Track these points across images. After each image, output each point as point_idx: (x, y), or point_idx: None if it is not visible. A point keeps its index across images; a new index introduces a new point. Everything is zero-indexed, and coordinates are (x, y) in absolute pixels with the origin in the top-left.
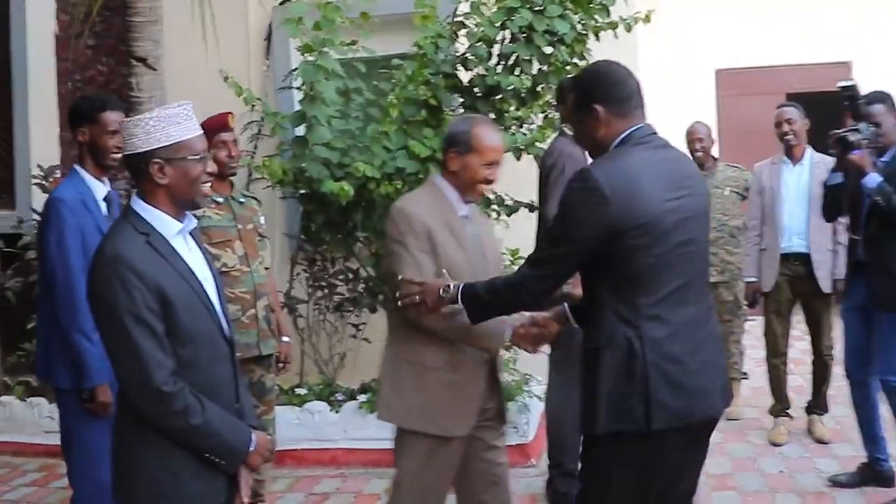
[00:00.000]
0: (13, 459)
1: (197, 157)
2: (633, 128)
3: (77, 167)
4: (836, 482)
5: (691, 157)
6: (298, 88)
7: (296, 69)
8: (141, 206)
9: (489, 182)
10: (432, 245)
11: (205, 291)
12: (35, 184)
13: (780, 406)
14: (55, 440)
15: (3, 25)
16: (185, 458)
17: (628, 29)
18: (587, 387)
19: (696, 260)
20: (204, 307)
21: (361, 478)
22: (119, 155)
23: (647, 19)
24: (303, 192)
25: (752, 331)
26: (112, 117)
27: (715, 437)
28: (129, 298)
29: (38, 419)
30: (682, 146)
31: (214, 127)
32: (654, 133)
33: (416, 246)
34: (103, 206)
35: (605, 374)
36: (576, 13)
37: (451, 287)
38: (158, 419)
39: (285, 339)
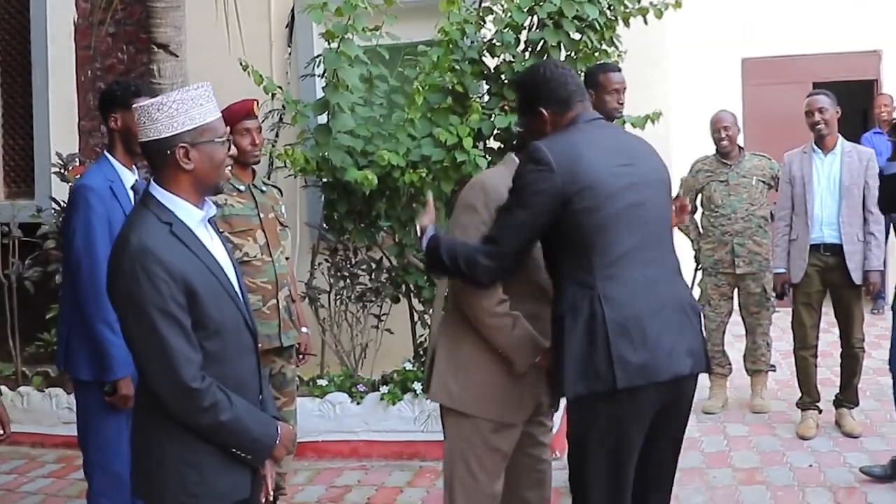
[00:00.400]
0: (31, 450)
1: (221, 139)
2: (575, 117)
3: (106, 154)
4: (868, 473)
5: (716, 146)
6: (321, 76)
7: (318, 56)
8: (162, 194)
9: None
10: None
11: (229, 281)
12: (54, 172)
13: (809, 399)
14: (73, 431)
15: (23, 13)
16: (211, 454)
17: (659, 15)
18: (556, 354)
19: (650, 222)
20: (229, 298)
21: (383, 470)
22: None
23: (677, 4)
24: (325, 180)
25: (777, 322)
26: None
27: (741, 430)
28: (156, 292)
29: (57, 410)
30: (707, 135)
31: (239, 114)
32: (599, 118)
33: (486, 219)
34: (131, 194)
35: (570, 338)
36: None
37: (427, 231)
38: (186, 416)
39: (304, 329)
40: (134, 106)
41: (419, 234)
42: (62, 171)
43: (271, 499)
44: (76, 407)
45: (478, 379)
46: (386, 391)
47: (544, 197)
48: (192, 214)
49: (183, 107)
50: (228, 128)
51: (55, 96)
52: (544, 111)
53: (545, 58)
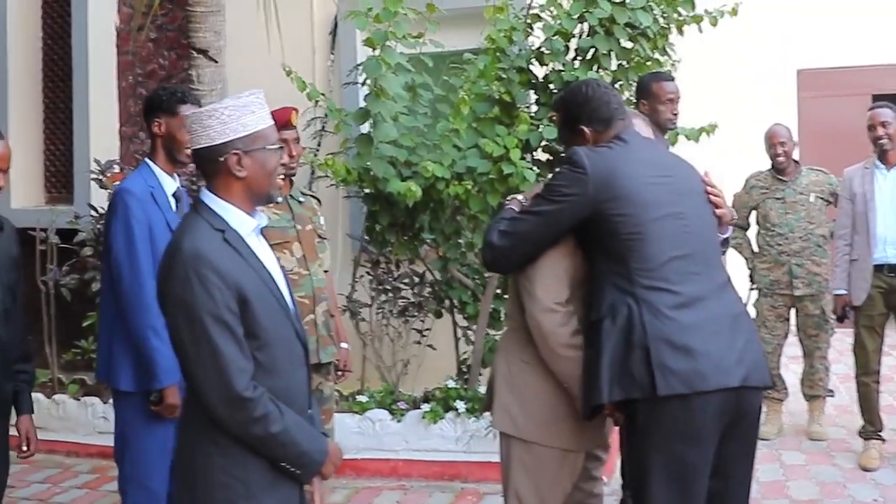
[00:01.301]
0: (65, 460)
1: (274, 147)
2: (616, 133)
3: (148, 160)
4: None
5: (772, 162)
6: (363, 84)
7: (359, 65)
8: (214, 201)
9: None
10: None
11: (281, 292)
12: (92, 179)
13: (872, 428)
14: (109, 441)
15: (64, 19)
16: (259, 469)
17: (714, 23)
18: (590, 359)
19: (694, 234)
20: (280, 308)
21: (423, 491)
22: None
23: (733, 13)
24: (367, 191)
25: (835, 344)
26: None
27: (798, 459)
28: (210, 298)
29: (92, 419)
30: (760, 149)
31: (276, 124)
32: (638, 135)
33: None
34: (172, 202)
35: (607, 343)
36: (658, 5)
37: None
38: (237, 427)
39: (344, 345)
40: (186, 113)
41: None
42: (100, 177)
43: None
44: (115, 419)
45: (541, 406)
46: (428, 409)
47: (571, 198)
48: (244, 223)
49: (235, 113)
50: None
51: (96, 102)
52: (586, 129)
53: (596, 66)
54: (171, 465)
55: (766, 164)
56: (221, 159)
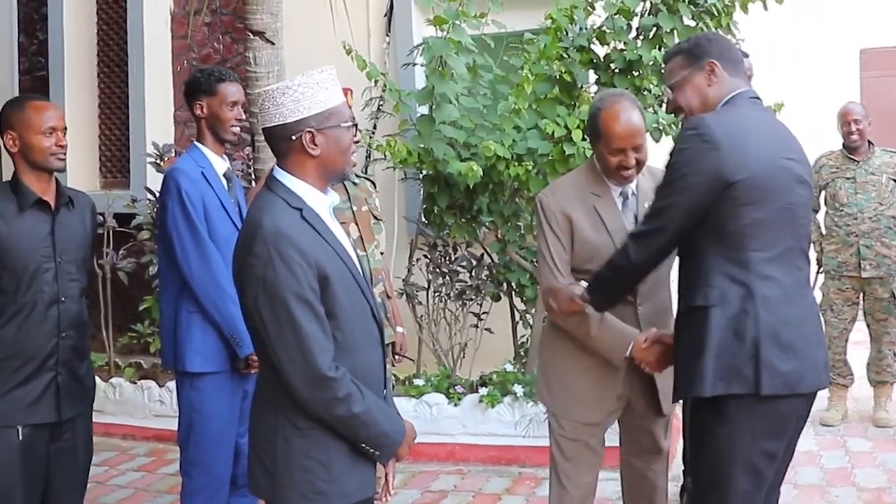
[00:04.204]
0: (122, 443)
1: (347, 124)
2: (742, 89)
3: (196, 143)
4: None
5: (844, 140)
6: (423, 65)
7: (420, 45)
8: (288, 179)
9: (623, 169)
10: (571, 230)
11: (358, 270)
12: (150, 163)
13: None
14: (165, 424)
15: (119, 4)
16: (339, 451)
17: (780, 1)
18: (690, 347)
19: (804, 225)
20: (357, 287)
21: (480, 475)
22: (238, 128)
23: None
24: (425, 173)
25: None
26: (231, 89)
27: (864, 446)
28: (292, 276)
29: (148, 403)
30: (826, 128)
31: None
32: (758, 97)
33: (553, 231)
34: (223, 181)
35: (714, 334)
36: None
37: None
38: (320, 407)
39: (400, 329)
40: (259, 91)
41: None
42: (157, 161)
43: (390, 497)
44: (179, 402)
45: (557, 381)
46: (485, 393)
47: (704, 177)
48: (319, 200)
49: (308, 91)
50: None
51: (151, 86)
52: (717, 64)
53: (658, 46)
54: (249, 449)
55: (828, 144)
56: (294, 137)
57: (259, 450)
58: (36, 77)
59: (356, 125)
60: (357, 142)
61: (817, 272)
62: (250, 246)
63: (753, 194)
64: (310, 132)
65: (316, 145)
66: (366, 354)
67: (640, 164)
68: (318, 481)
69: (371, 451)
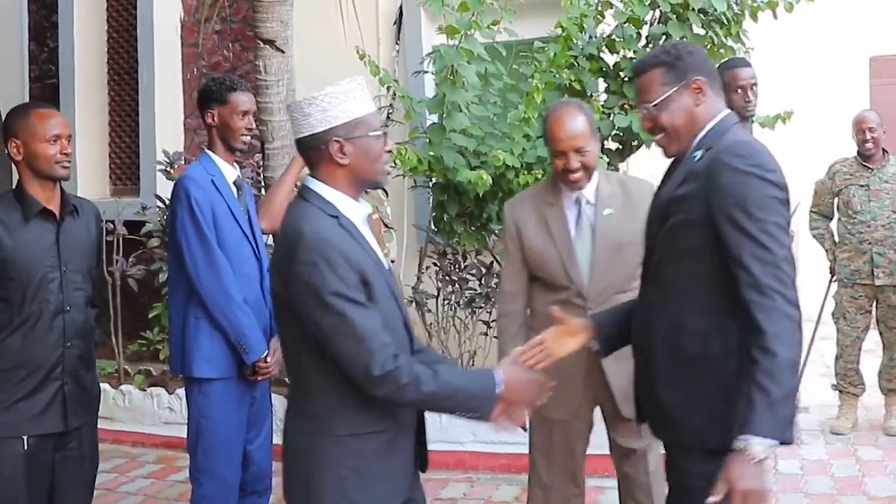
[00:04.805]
0: (132, 450)
1: (376, 133)
2: (726, 111)
3: (207, 151)
4: None
5: (859, 148)
6: (434, 73)
7: (431, 53)
8: (321, 188)
9: (568, 172)
10: (520, 240)
11: (392, 279)
12: (160, 170)
13: None
14: (174, 432)
15: (129, 11)
16: (374, 460)
17: (790, 9)
18: (727, 392)
19: None
20: (392, 295)
21: (490, 484)
22: (248, 137)
23: None
24: (435, 181)
25: None
26: (242, 98)
27: (874, 454)
28: (340, 280)
29: (158, 410)
30: (835, 136)
31: None
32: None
33: (506, 242)
34: (234, 189)
35: (733, 383)
36: None
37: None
38: (391, 398)
39: None
40: (288, 103)
41: None
42: (168, 168)
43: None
44: (188, 408)
45: None
46: None
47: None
48: (353, 209)
49: (336, 100)
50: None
51: (161, 94)
52: (703, 81)
53: None
54: (282, 458)
55: (836, 152)
56: (324, 147)
57: (292, 458)
58: (46, 85)
59: (386, 134)
60: (389, 151)
61: (830, 280)
62: (294, 254)
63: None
64: (337, 141)
65: (345, 154)
66: None
67: (586, 168)
68: (351, 489)
69: (472, 416)
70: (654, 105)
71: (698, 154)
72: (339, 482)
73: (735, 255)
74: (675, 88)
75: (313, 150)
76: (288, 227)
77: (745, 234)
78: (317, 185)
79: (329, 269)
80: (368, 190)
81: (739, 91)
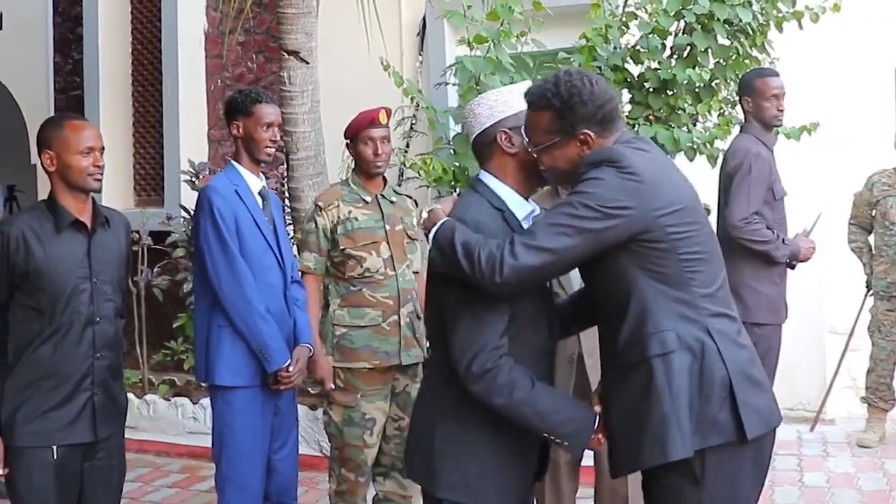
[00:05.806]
0: (156, 459)
1: None
2: (619, 137)
3: (233, 161)
4: None
5: None
6: (456, 84)
7: (454, 64)
8: (492, 181)
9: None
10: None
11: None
12: (185, 181)
13: None
14: (199, 441)
15: (154, 24)
16: (497, 451)
17: (815, 19)
18: (649, 405)
19: (720, 253)
20: (541, 299)
21: None
22: (273, 149)
23: (836, 8)
24: (459, 191)
25: None
26: (267, 110)
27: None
28: None
29: (182, 420)
30: (860, 147)
31: (363, 122)
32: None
33: None
34: (259, 199)
35: (680, 384)
36: (758, 1)
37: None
38: (484, 397)
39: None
40: (293, 110)
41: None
42: (193, 179)
43: None
44: (213, 417)
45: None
46: None
47: (630, 213)
48: (521, 207)
49: (502, 97)
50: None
51: (185, 105)
52: (590, 134)
53: (693, 65)
54: (408, 433)
55: (862, 163)
56: (493, 140)
57: (417, 436)
58: (71, 96)
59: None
60: (372, 160)
61: (866, 294)
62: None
63: (686, 228)
64: (505, 133)
65: (513, 144)
66: (534, 362)
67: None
68: (471, 476)
69: (558, 441)
70: (537, 148)
71: None
72: (461, 466)
73: None
74: (560, 139)
75: (484, 145)
76: (455, 215)
77: None
78: (487, 178)
79: None
80: (393, 200)
81: (773, 99)
